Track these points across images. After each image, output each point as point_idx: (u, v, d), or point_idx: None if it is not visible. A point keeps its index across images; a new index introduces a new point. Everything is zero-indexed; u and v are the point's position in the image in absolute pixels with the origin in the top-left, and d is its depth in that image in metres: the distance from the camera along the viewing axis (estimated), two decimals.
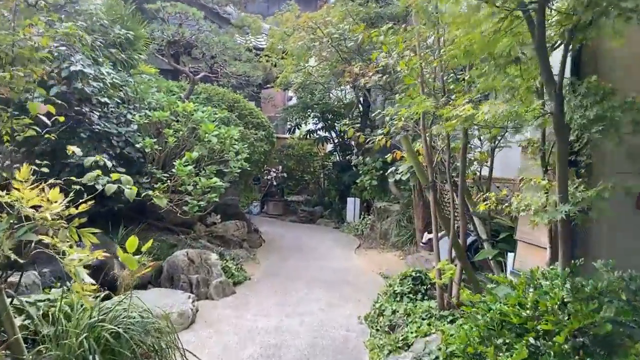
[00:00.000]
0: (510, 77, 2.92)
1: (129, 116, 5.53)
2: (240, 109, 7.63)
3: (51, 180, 2.89)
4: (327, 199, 11.13)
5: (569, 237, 2.71)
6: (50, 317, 3.21)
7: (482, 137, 5.37)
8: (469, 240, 5.43)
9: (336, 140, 11.38)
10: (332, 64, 7.85)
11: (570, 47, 2.53)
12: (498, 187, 6.44)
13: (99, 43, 5.31)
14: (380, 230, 8.11)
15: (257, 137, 7.50)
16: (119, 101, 5.57)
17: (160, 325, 3.30)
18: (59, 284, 3.75)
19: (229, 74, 7.90)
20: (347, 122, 6.74)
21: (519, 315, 2.58)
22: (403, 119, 4.19)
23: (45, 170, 3.17)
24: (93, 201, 2.58)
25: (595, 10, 2.52)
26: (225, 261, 5.79)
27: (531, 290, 2.90)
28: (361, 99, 9.92)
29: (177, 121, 5.80)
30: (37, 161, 3.26)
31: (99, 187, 2.89)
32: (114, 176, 2.68)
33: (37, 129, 3.10)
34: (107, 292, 4.07)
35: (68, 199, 2.69)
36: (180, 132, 5.64)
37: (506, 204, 3.20)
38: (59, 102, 4.41)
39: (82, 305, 3.15)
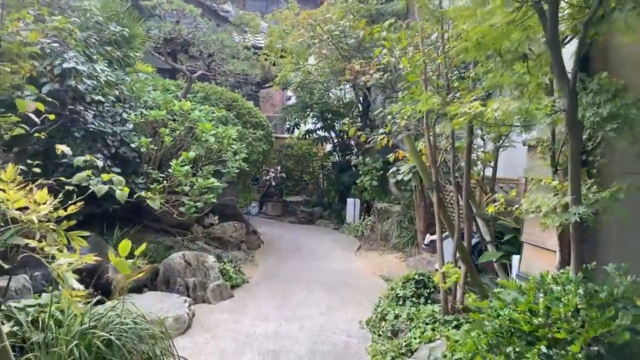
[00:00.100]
0: (520, 74, 2.79)
1: (125, 115, 5.40)
2: (238, 108, 7.50)
3: (40, 181, 2.77)
4: (327, 200, 11.00)
5: (582, 240, 2.59)
6: (40, 323, 3.09)
7: (484, 137, 5.26)
8: (472, 242, 5.32)
9: (335, 140, 11.27)
10: (332, 62, 7.73)
11: (582, 41, 2.40)
12: (501, 187, 6.34)
13: (94, 40, 5.18)
14: (381, 232, 7.98)
15: (256, 137, 7.38)
16: (114, 100, 5.44)
17: (154, 331, 3.18)
18: (50, 288, 3.63)
19: (226, 72, 7.77)
20: (347, 122, 6.61)
21: (530, 323, 2.46)
22: (405, 117, 4.07)
23: (38, 170, 3.06)
24: (83, 202, 2.45)
25: (609, 3, 2.41)
26: (222, 263, 5.67)
27: (541, 295, 2.78)
28: (361, 98, 9.81)
29: (174, 120, 5.67)
30: (29, 161, 3.15)
31: (93, 188, 2.77)
32: (105, 177, 2.55)
33: (26, 127, 2.98)
34: (100, 296, 3.97)
35: (57, 200, 2.57)
36: (177, 132, 5.52)
37: (516, 207, 3.07)
38: (53, 100, 4.33)
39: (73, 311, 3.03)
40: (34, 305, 3.25)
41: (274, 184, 11.22)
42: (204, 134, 5.49)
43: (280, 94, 14.42)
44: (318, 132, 11.50)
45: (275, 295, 5.28)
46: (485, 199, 4.88)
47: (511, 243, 4.96)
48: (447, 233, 4.47)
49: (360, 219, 9.27)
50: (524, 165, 4.57)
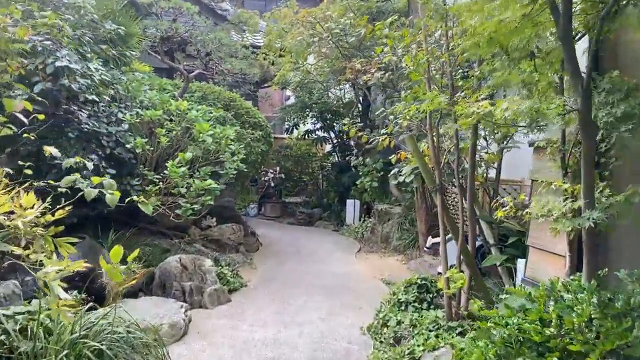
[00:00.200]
0: (529, 72, 2.68)
1: (120, 115, 5.28)
2: (236, 108, 7.37)
3: (28, 183, 2.65)
4: (326, 201, 10.88)
5: (595, 246, 2.48)
6: (29, 331, 2.97)
7: (488, 137, 5.16)
8: (476, 244, 5.21)
9: (335, 141, 11.15)
10: (332, 61, 7.60)
11: (597, 38, 2.28)
12: (504, 189, 6.23)
13: (88, 38, 5.05)
14: (381, 234, 7.86)
15: (254, 137, 7.25)
16: (109, 100, 5.32)
17: (147, 340, 3.05)
18: (40, 294, 3.50)
19: (224, 71, 7.64)
20: (348, 122, 6.49)
21: (541, 333, 2.35)
22: (408, 117, 3.95)
23: (29, 172, 2.94)
24: (72, 206, 2.33)
25: None
26: (220, 267, 5.54)
27: (552, 303, 2.66)
28: (361, 98, 9.69)
29: (171, 120, 5.55)
30: (21, 162, 3.03)
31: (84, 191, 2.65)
32: (95, 180, 2.43)
33: (13, 128, 2.86)
34: (94, 302, 3.84)
35: (46, 203, 2.45)
36: (174, 132, 5.40)
37: (526, 211, 2.95)
38: (47, 100, 4.21)
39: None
40: (23, 313, 3.12)
41: (272, 184, 11.10)
42: (201, 135, 5.38)
43: (279, 94, 14.30)
44: (317, 132, 11.37)
45: (274, 299, 5.16)
46: (492, 203, 4.75)
47: (515, 246, 4.84)
48: (449, 235, 4.36)
49: (360, 220, 9.15)
50: (528, 166, 4.46)
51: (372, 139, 5.27)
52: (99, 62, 5.08)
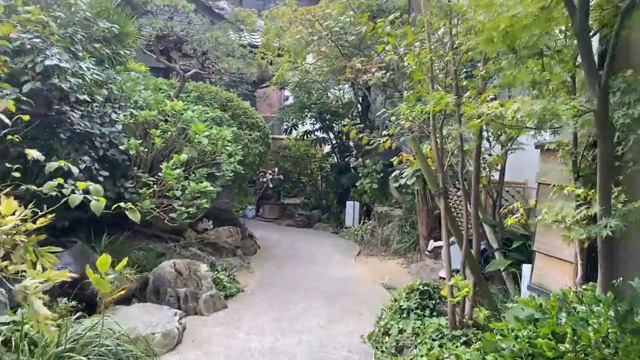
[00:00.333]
0: (539, 71, 2.54)
1: (114, 116, 5.12)
2: (233, 109, 7.22)
3: (9, 189, 2.51)
4: (325, 203, 10.73)
5: (611, 255, 2.33)
6: (13, 343, 2.82)
7: (490, 139, 5.02)
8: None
9: (334, 142, 11.00)
10: (331, 60, 7.45)
11: (617, 32, 2.14)
12: (507, 191, 6.10)
13: (80, 36, 4.90)
14: (382, 236, 7.71)
15: (252, 138, 7.10)
16: (103, 100, 5.17)
17: (137, 353, 2.91)
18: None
19: (221, 71, 7.48)
20: (348, 123, 6.34)
21: (554, 348, 2.21)
22: (410, 118, 3.81)
23: (17, 174, 2.79)
24: (54, 214, 2.19)
25: None
26: (216, 272, 5.38)
27: (564, 315, 2.53)
28: (360, 98, 9.55)
29: (166, 121, 5.40)
30: (8, 165, 2.88)
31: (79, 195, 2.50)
32: (81, 185, 2.28)
33: None
34: (84, 310, 3.70)
35: (27, 210, 2.31)
36: (169, 133, 5.25)
37: (538, 218, 2.81)
38: (38, 100, 4.06)
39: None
40: (8, 323, 2.98)
41: (271, 186, 10.94)
42: (197, 135, 5.23)
43: (277, 94, 14.15)
44: (316, 133, 11.22)
45: (272, 305, 5.01)
46: (501, 209, 4.61)
47: (520, 251, 4.70)
48: (452, 239, 4.22)
49: (359, 222, 9.01)
50: (532, 168, 4.32)
51: (373, 140, 5.12)
52: (92, 61, 4.93)
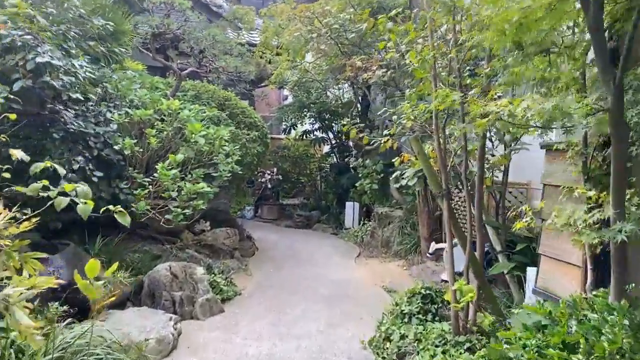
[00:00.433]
0: (548, 68, 2.43)
1: (109, 115, 5.01)
2: (231, 108, 7.10)
3: None
4: (325, 203, 10.61)
5: (624, 259, 2.22)
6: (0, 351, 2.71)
7: (493, 139, 4.91)
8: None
9: (334, 141, 10.89)
10: (331, 58, 7.33)
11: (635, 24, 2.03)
12: (510, 192, 5.99)
13: (74, 34, 4.78)
14: (382, 238, 7.60)
15: (250, 138, 6.99)
16: (97, 99, 5.06)
17: None
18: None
19: (219, 69, 7.36)
20: (348, 123, 6.23)
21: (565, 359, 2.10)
22: (412, 117, 3.70)
23: (7, 175, 2.68)
24: (38, 217, 2.08)
25: None
26: (213, 275, 5.27)
27: (574, 323, 2.42)
28: (360, 97, 9.43)
29: (162, 120, 5.29)
30: None
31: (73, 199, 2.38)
32: (67, 187, 2.17)
33: None
34: (77, 314, 3.58)
35: (12, 213, 2.20)
36: (165, 133, 5.13)
37: (548, 222, 2.70)
38: (30, 98, 3.94)
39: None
40: None
41: (269, 186, 10.83)
42: (193, 135, 5.12)
43: (276, 93, 14.02)
44: (315, 132, 11.09)
45: (270, 308, 4.90)
46: (509, 212, 4.50)
47: (524, 253, 4.60)
48: (454, 241, 4.11)
49: (359, 223, 8.89)
50: (535, 169, 4.22)
51: (373, 140, 5.00)
52: (87, 60, 4.82)
